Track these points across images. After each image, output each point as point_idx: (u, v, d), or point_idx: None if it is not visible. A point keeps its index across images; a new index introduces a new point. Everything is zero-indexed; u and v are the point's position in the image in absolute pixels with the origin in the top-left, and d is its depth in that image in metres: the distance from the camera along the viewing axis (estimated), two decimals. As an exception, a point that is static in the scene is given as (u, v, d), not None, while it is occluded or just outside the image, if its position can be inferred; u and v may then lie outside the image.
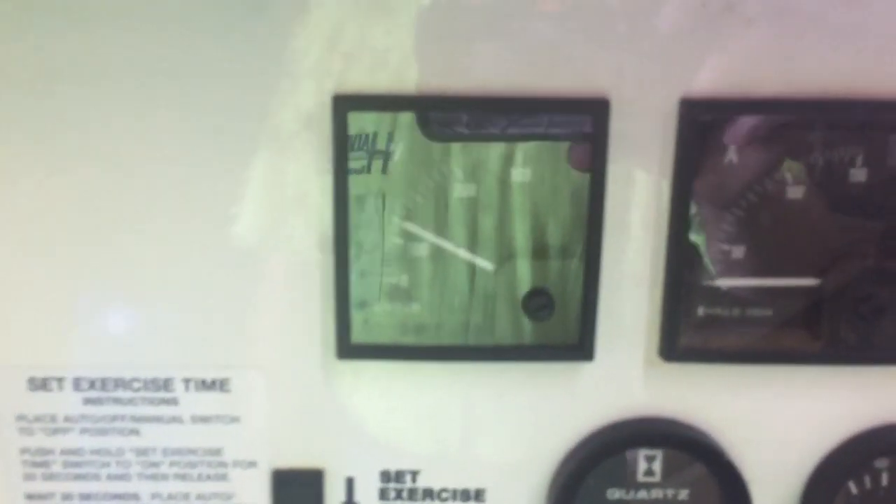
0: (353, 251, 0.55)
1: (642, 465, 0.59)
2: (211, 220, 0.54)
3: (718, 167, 0.54)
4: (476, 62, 0.52)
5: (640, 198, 0.54)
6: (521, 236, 0.57)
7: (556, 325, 0.57)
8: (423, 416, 0.58)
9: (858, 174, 0.54)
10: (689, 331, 0.57)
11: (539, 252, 0.57)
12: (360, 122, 0.53)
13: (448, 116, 0.53)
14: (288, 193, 0.54)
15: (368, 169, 0.54)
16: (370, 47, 0.52)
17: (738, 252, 0.56)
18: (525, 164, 0.55)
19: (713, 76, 0.52)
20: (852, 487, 0.59)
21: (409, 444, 0.59)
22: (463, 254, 0.56)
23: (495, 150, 0.55)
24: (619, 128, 0.53)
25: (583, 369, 0.57)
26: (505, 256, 0.57)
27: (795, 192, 0.55)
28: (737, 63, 0.52)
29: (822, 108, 0.52)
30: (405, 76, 0.52)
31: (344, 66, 0.52)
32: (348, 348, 0.56)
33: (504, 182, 0.55)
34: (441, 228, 0.56)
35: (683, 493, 0.59)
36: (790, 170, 0.54)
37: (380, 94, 0.52)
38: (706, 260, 0.56)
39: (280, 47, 0.51)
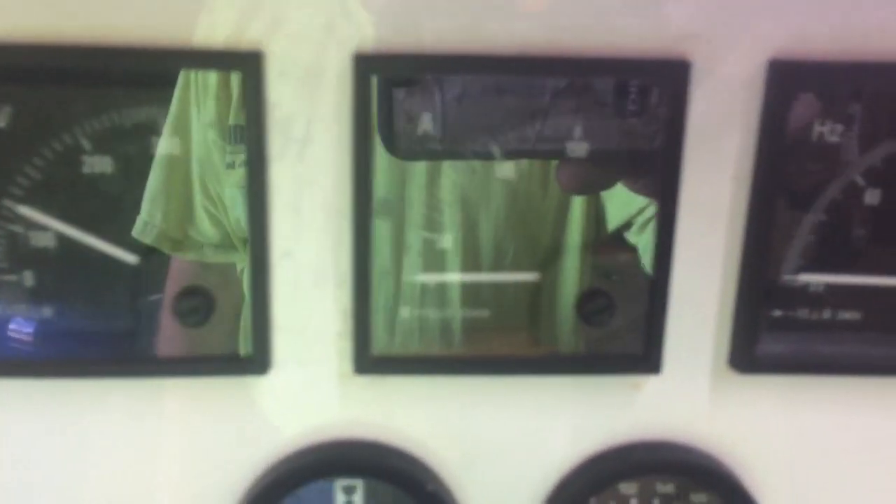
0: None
1: (340, 498, 0.49)
2: None
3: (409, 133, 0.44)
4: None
5: (319, 177, 0.44)
6: (199, 224, 0.46)
7: (220, 333, 0.46)
8: (66, 443, 0.47)
9: (578, 149, 0.45)
10: (388, 336, 0.47)
11: (203, 244, 0.46)
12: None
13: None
14: None
15: None
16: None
17: (446, 241, 0.47)
18: (173, 134, 0.44)
19: (387, 32, 0.42)
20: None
21: (49, 478, 0.48)
22: (96, 244, 0.45)
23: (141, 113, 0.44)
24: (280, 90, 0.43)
25: (259, 384, 0.47)
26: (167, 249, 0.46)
27: (504, 171, 0.45)
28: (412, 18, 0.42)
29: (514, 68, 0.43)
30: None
31: None
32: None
33: (145, 153, 0.44)
34: (69, 212, 0.45)
35: (392, 529, 0.50)
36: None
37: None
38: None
39: None
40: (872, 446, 0.50)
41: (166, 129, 0.44)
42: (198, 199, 0.47)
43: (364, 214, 0.44)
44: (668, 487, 0.51)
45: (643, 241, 0.47)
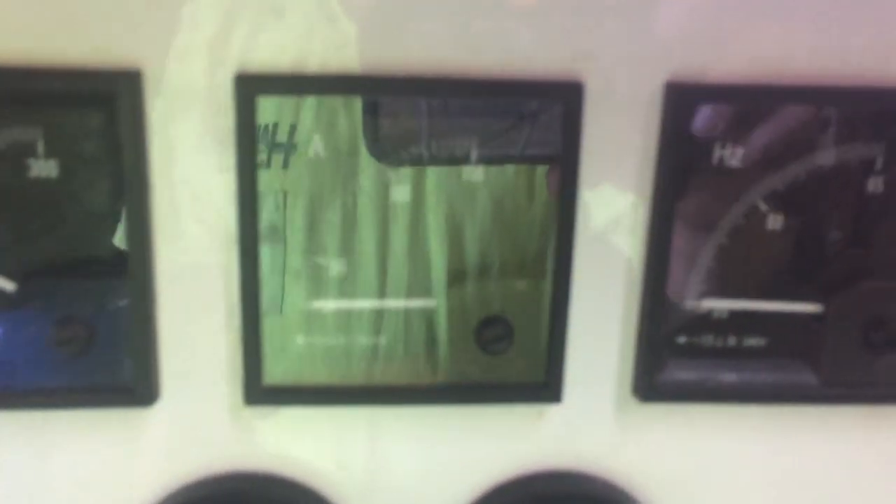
0: None
1: (234, 533, 0.47)
2: None
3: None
4: None
5: (207, 198, 0.43)
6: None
7: (103, 361, 0.44)
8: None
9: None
10: (281, 364, 0.45)
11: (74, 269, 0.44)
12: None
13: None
14: None
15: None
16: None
17: (336, 267, 0.45)
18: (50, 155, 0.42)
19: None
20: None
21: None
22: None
23: None
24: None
25: (145, 416, 0.45)
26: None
27: (399, 195, 0.44)
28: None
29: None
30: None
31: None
32: None
33: (21, 176, 0.42)
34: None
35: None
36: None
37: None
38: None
39: None
40: (780, 475, 0.49)
41: None
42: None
43: (250, 240, 0.42)
44: (577, 518, 0.50)
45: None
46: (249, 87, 0.40)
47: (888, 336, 0.46)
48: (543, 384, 0.46)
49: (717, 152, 0.44)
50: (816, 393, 0.47)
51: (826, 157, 0.45)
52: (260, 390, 0.45)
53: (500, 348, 0.45)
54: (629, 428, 0.48)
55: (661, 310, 0.45)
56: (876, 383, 0.47)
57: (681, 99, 0.42)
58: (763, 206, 0.45)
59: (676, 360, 0.47)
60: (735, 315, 0.47)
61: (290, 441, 0.47)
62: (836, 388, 0.47)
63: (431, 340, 0.46)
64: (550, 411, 0.47)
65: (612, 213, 0.44)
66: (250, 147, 0.41)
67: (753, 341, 0.47)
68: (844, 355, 0.47)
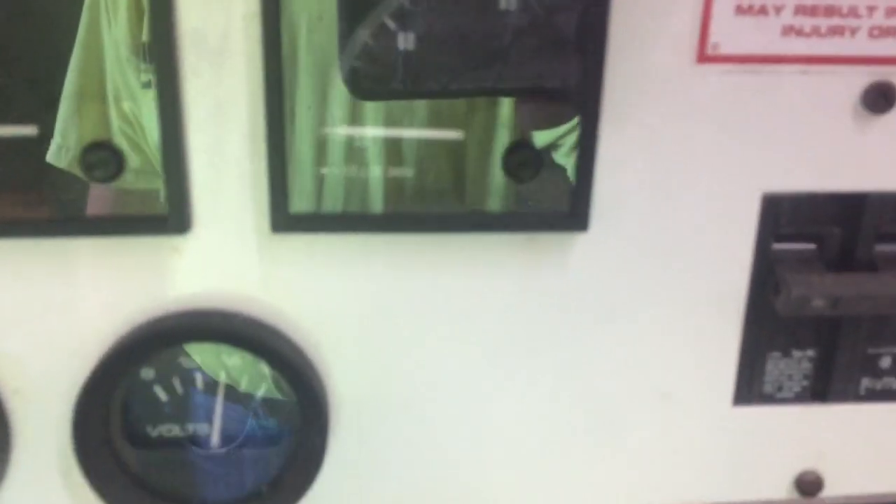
0: None
1: None
2: None
3: None
4: None
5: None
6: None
7: None
8: None
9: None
10: None
11: None
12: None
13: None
14: None
15: None
16: None
17: None
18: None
19: None
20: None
21: None
22: None
23: None
24: None
25: None
26: None
27: None
28: None
29: None
30: None
31: None
32: None
33: None
34: None
35: None
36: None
37: None
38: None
39: None
40: (425, 305, 0.48)
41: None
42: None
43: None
44: (233, 360, 0.49)
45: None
46: None
47: (527, 160, 0.45)
48: (165, 216, 0.43)
49: (332, -35, 0.41)
50: (461, 221, 0.46)
51: (452, -31, 0.42)
52: None
53: (104, 175, 0.42)
54: (270, 261, 0.46)
55: (289, 137, 0.43)
56: (519, 211, 0.47)
57: None
58: (392, 25, 0.43)
59: (315, 190, 0.45)
60: (376, 142, 0.45)
61: None
62: (480, 217, 0.47)
63: (39, 170, 0.43)
64: (186, 245, 0.45)
65: (220, 24, 0.41)
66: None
67: (399, 171, 0.46)
68: (474, 182, 0.46)
